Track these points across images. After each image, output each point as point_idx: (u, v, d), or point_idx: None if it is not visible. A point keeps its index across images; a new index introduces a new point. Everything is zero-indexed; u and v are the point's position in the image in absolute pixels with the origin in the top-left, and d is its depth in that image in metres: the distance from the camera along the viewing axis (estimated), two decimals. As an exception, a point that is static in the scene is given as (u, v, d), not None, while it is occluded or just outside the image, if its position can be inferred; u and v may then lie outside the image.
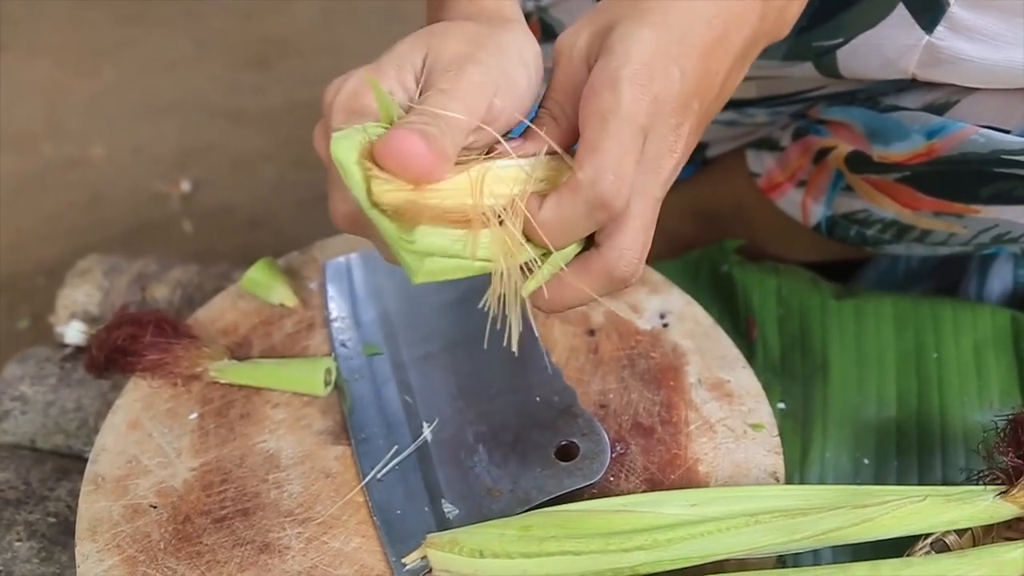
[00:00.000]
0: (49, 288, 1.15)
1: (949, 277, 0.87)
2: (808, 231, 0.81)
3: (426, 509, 0.57)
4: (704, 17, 0.48)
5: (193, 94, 1.53)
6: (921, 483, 0.68)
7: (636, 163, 0.45)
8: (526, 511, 0.55)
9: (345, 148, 0.43)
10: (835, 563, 0.54)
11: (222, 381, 0.64)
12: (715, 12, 0.48)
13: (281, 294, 0.70)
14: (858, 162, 0.73)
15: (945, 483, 0.67)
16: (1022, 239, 0.71)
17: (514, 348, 0.48)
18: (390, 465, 0.59)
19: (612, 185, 0.44)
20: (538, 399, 0.62)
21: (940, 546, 0.53)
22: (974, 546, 0.54)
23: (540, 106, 0.50)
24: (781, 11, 0.52)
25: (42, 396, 0.74)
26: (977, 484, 0.55)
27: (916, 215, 0.72)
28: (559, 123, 0.48)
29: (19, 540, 0.65)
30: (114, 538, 0.56)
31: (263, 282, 0.70)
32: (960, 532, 0.54)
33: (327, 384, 0.64)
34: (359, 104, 0.46)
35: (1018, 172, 0.64)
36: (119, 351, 0.63)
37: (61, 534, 0.65)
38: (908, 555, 0.53)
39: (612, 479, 0.58)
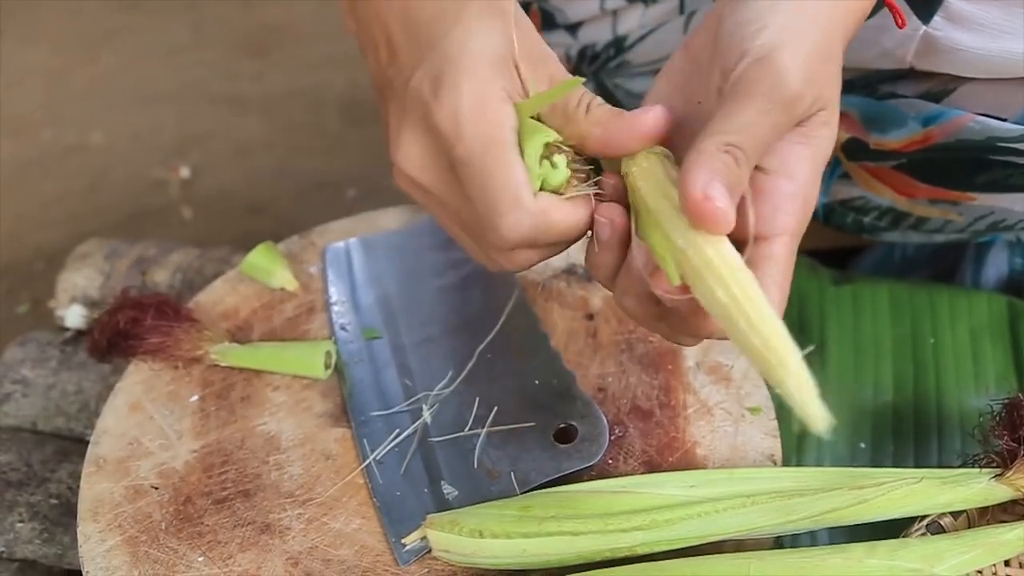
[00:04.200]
0: (48, 274, 1.15)
1: (945, 264, 0.87)
2: (806, 218, 0.81)
3: (426, 491, 0.57)
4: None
5: (192, 81, 1.53)
6: (917, 467, 0.68)
7: None
8: (525, 492, 0.56)
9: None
10: (832, 544, 0.54)
11: (223, 364, 0.65)
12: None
13: (281, 278, 0.70)
14: (855, 149, 0.73)
15: (941, 467, 0.68)
16: (1017, 226, 0.71)
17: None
18: (390, 447, 0.59)
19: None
20: (537, 382, 0.63)
21: (936, 528, 0.53)
22: (969, 528, 0.54)
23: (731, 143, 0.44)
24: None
25: (43, 379, 0.75)
26: (973, 467, 0.55)
27: (912, 202, 0.73)
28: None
29: (21, 521, 0.66)
30: (116, 519, 0.57)
31: (263, 266, 0.70)
32: (956, 514, 0.54)
33: (327, 367, 0.64)
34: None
35: (1013, 160, 0.64)
36: (121, 334, 0.63)
37: (62, 515, 0.66)
38: (904, 537, 0.53)
39: (611, 462, 0.59)
